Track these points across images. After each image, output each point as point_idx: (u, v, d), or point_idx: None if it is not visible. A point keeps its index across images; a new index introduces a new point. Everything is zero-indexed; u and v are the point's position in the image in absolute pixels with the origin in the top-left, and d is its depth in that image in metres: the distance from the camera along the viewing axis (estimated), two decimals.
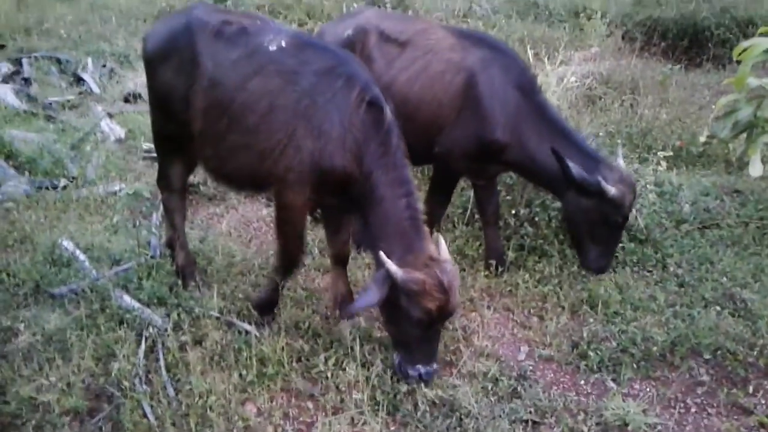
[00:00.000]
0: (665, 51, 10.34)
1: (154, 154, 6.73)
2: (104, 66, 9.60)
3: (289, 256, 4.00)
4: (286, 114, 3.66)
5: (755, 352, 3.99)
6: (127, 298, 4.20)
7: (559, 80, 8.18)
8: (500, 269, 4.84)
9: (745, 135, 5.25)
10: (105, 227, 5.29)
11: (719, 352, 4.02)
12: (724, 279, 4.78)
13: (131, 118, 7.76)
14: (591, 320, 4.37)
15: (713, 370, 3.94)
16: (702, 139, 6.76)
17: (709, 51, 10.39)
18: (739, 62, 4.99)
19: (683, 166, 6.85)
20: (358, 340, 3.84)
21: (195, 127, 3.99)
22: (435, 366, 3.70)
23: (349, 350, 3.81)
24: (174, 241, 4.57)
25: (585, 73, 8.69)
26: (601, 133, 7.02)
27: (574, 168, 4.28)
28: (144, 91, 8.25)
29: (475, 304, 4.54)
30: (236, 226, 5.48)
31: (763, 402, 3.69)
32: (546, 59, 8.29)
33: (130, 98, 8.69)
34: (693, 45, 10.93)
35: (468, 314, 4.44)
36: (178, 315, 4.06)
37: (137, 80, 9.06)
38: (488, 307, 4.50)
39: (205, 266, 4.72)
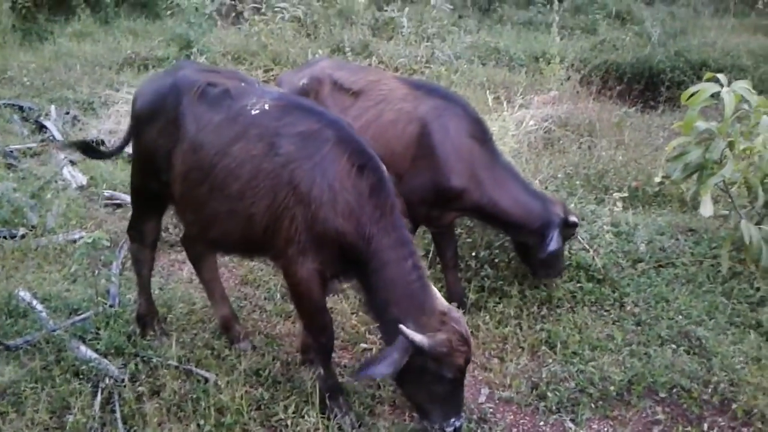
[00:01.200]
0: (621, 94, 10.63)
1: (116, 201, 6.76)
2: (67, 113, 9.55)
3: (320, 330, 3.81)
4: (271, 180, 3.58)
5: (710, 390, 4.06)
6: (83, 349, 4.15)
7: (519, 123, 8.39)
8: (461, 312, 4.87)
9: (696, 176, 5.43)
10: (63, 276, 5.23)
11: (675, 390, 4.10)
12: (680, 317, 4.88)
13: (93, 165, 7.71)
14: (550, 360, 4.42)
15: (669, 409, 4.00)
16: (657, 179, 6.96)
17: (664, 93, 10.71)
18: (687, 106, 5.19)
19: (639, 206, 7.00)
20: (317, 386, 3.83)
21: (175, 190, 3.94)
22: (463, 414, 3.66)
23: (309, 397, 3.80)
24: (140, 291, 4.51)
25: (544, 116, 8.91)
26: (559, 175, 7.22)
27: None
28: (107, 138, 8.26)
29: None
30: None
31: None
32: (506, 103, 8.51)
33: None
34: (648, 88, 11.32)
35: None
36: (136, 365, 4.03)
37: (101, 127, 9.02)
38: None
39: (165, 314, 4.68)
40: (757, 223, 5.39)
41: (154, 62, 11.64)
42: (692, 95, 5.15)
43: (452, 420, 3.56)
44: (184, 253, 5.72)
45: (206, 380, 3.96)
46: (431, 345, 3.35)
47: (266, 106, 3.76)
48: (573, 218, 4.89)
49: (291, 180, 3.55)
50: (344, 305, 4.90)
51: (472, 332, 4.64)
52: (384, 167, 3.70)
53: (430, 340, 3.35)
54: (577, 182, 7.13)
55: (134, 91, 4.34)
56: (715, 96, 5.13)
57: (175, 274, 5.41)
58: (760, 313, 4.92)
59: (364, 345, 4.54)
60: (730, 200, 5.62)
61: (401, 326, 3.35)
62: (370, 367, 3.38)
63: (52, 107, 9.54)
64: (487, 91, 9.30)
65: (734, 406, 3.94)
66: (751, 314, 4.91)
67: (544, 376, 4.23)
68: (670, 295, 5.18)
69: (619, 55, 12.03)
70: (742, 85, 5.14)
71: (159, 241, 4.64)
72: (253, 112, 3.75)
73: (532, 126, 8.35)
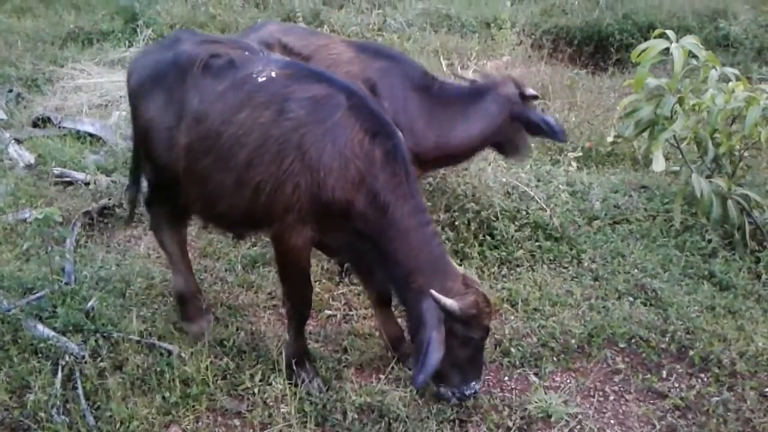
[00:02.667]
0: (572, 57, 10.74)
1: (66, 179, 6.57)
2: (10, 91, 9.23)
3: (301, 298, 3.75)
4: (279, 146, 3.42)
5: (667, 339, 4.19)
6: (40, 327, 4.05)
7: None
8: None
9: (647, 133, 5.53)
10: (16, 256, 5.09)
11: (633, 340, 4.21)
12: (635, 271, 5.00)
13: (41, 143, 7.47)
14: (512, 318, 4.49)
15: (628, 358, 4.11)
16: (609, 139, 7.07)
17: (613, 55, 10.84)
18: (638, 64, 5.26)
19: (593, 166, 7.13)
20: (283, 353, 3.82)
21: (178, 168, 3.75)
22: (482, 377, 3.69)
23: (275, 364, 3.79)
24: (174, 268, 4.32)
25: None
26: None
27: None
28: (53, 115, 8.01)
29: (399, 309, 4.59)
30: (155, 248, 5.31)
31: (676, 386, 3.88)
32: (459, 69, 8.50)
33: (39, 123, 8.38)
34: (598, 50, 11.38)
35: None
36: (96, 341, 3.95)
37: (46, 104, 8.75)
38: None
39: (124, 289, 4.59)
40: (707, 177, 5.53)
41: (98, 36, 11.32)
42: (642, 52, 5.22)
43: (473, 383, 3.59)
44: (140, 228, 5.67)
45: (169, 353, 3.91)
46: (462, 308, 3.35)
47: (273, 74, 3.60)
48: (530, 91, 5.06)
49: (300, 145, 3.40)
50: None
51: None
52: (399, 134, 3.60)
53: (460, 304, 3.35)
54: (532, 144, 7.19)
55: (128, 66, 4.20)
56: (665, 53, 5.24)
57: (132, 250, 5.31)
58: (712, 264, 5.06)
59: (328, 312, 4.54)
60: (680, 156, 5.74)
61: (433, 292, 3.32)
62: (423, 365, 3.30)
63: None
64: (441, 58, 9.28)
65: (691, 353, 4.07)
66: (703, 265, 5.05)
67: (506, 332, 4.29)
68: (626, 250, 5.29)
69: (569, 20, 12.07)
70: (691, 41, 5.23)
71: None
72: (260, 80, 3.59)
73: None
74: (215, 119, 3.57)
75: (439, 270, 3.48)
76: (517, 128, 5.05)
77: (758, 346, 4.06)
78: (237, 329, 4.25)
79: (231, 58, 3.71)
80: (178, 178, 3.81)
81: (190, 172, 3.72)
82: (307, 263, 3.69)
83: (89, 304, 4.26)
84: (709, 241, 5.34)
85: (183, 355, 3.86)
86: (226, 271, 4.98)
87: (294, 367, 3.79)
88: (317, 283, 4.79)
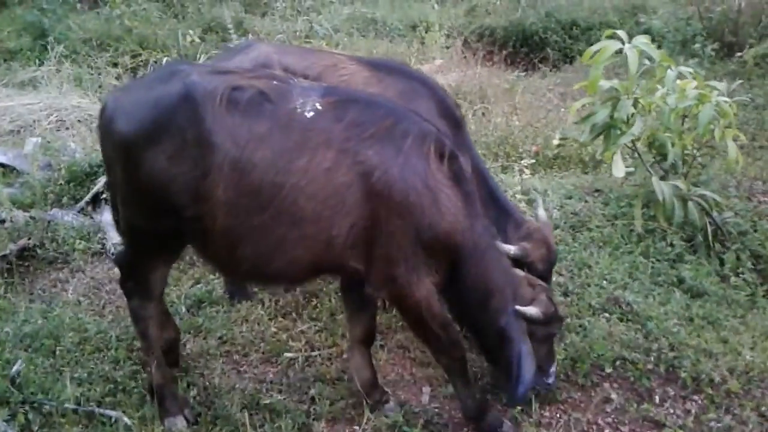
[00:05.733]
0: (505, 58, 10.65)
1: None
2: None
3: (455, 345, 3.44)
4: (353, 194, 3.08)
5: (652, 358, 3.96)
6: None
7: None
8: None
9: (602, 137, 5.34)
10: None
11: (618, 363, 3.96)
12: (605, 282, 4.78)
13: None
14: None
15: (617, 384, 3.87)
16: (555, 142, 6.91)
17: (542, 54, 10.80)
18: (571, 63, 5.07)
19: (541, 170, 6.93)
20: (246, 411, 3.40)
21: (211, 224, 3.15)
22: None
23: (237, 424, 3.37)
24: (149, 356, 3.60)
25: None
26: None
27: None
28: None
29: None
30: (85, 292, 4.80)
31: (672, 411, 3.66)
32: None
33: None
34: (529, 50, 11.35)
35: None
36: (25, 415, 3.42)
37: None
38: (381, 347, 4.21)
39: (53, 346, 4.04)
40: (662, 179, 5.40)
41: (5, 55, 10.48)
42: (594, 54, 5.03)
43: (551, 369, 3.62)
44: (66, 269, 5.11)
45: (114, 420, 3.43)
46: (544, 312, 3.40)
47: (318, 106, 3.16)
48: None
49: (379, 189, 3.08)
50: (260, 311, 4.45)
51: (402, 325, 4.39)
52: (454, 147, 3.39)
53: (540, 308, 3.40)
54: (479, 151, 6.96)
55: (105, 106, 3.32)
56: (617, 53, 5.06)
57: (58, 297, 4.74)
58: (680, 269, 4.92)
59: (288, 354, 4.12)
60: (636, 157, 5.60)
61: (517, 308, 3.33)
62: (520, 379, 3.25)
63: None
64: None
65: (682, 374, 3.85)
66: (672, 271, 4.90)
67: (485, 364, 3.98)
68: (591, 260, 5.08)
69: (493, 19, 12.04)
70: (643, 41, 5.07)
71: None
72: (308, 116, 3.14)
73: None
74: (266, 169, 3.07)
75: (509, 280, 3.46)
76: None
77: (746, 360, 3.90)
78: (188, 385, 3.79)
79: (260, 90, 3.17)
80: (204, 232, 3.22)
81: (235, 231, 3.16)
82: (440, 308, 3.40)
83: (14, 368, 3.72)
84: (672, 245, 5.20)
85: (129, 422, 3.39)
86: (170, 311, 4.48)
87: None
88: (271, 321, 4.38)
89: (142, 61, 10.40)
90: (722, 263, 5.07)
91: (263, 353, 4.12)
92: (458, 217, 3.24)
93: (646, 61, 5.20)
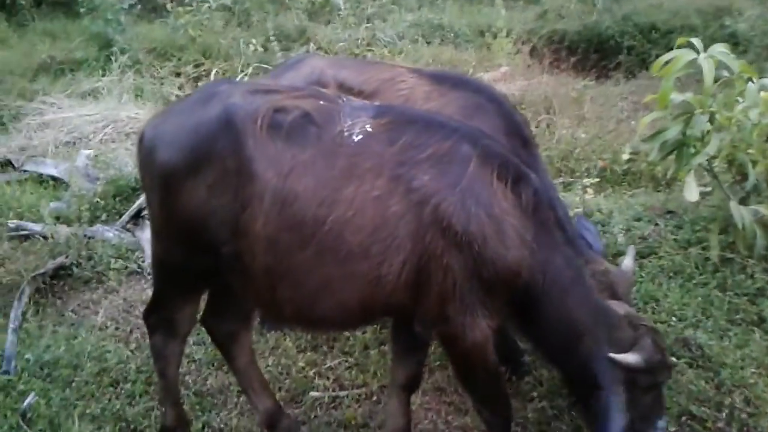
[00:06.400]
0: (575, 65, 10.07)
1: (23, 232, 5.86)
2: None
3: (503, 403, 3.16)
4: (407, 225, 2.77)
5: (724, 415, 3.46)
6: None
7: None
8: None
9: (674, 155, 4.82)
10: None
11: (684, 418, 3.47)
12: (674, 319, 4.28)
13: None
14: (534, 395, 3.76)
15: None
16: (625, 156, 6.36)
17: (617, 60, 10.17)
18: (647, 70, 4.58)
19: (609, 188, 6.40)
20: None
21: (251, 262, 2.88)
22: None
23: None
24: (165, 396, 3.41)
25: None
26: None
27: None
28: (15, 157, 7.33)
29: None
30: (115, 315, 4.64)
31: None
32: None
33: None
34: (601, 56, 10.75)
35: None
36: None
37: (10, 144, 8.06)
38: None
39: (71, 377, 3.86)
40: (742, 201, 4.84)
41: (72, 65, 10.63)
42: (665, 64, 4.53)
43: (659, 423, 3.06)
44: (100, 290, 4.96)
45: None
46: (647, 360, 2.90)
47: (368, 128, 2.87)
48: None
49: (436, 219, 2.76)
50: (288, 343, 4.16)
51: (440, 363, 4.02)
52: (528, 170, 3.03)
53: (641, 355, 2.90)
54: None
55: (143, 135, 3.08)
56: (690, 64, 4.54)
57: (86, 320, 4.58)
58: (760, 305, 4.34)
59: (314, 394, 3.81)
60: (713, 178, 5.04)
61: (611, 356, 2.86)
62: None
63: None
64: None
65: None
66: (751, 308, 4.33)
67: (529, 415, 3.56)
68: (659, 293, 4.56)
69: (566, 23, 11.44)
70: (720, 50, 4.53)
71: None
72: (356, 139, 2.84)
73: None
74: (309, 200, 2.78)
75: (602, 321, 2.97)
76: None
77: None
78: (203, 427, 3.53)
79: (305, 112, 2.89)
80: (243, 271, 2.95)
81: (275, 270, 2.88)
82: (495, 358, 3.03)
83: (26, 402, 3.54)
84: (753, 277, 4.62)
85: None
86: (194, 344, 4.24)
87: None
88: (300, 354, 4.08)
89: (204, 70, 10.40)
90: None
91: (287, 391, 3.84)
92: (526, 251, 2.86)
93: (725, 73, 4.66)
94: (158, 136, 3.01)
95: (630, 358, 2.87)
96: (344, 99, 3.07)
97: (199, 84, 9.73)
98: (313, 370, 3.97)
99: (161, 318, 3.28)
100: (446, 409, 3.74)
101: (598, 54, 10.77)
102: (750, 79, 4.55)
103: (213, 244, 2.90)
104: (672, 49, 4.56)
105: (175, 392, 3.42)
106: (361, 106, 3.02)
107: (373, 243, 2.76)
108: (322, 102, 2.95)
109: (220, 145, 2.83)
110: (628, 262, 3.59)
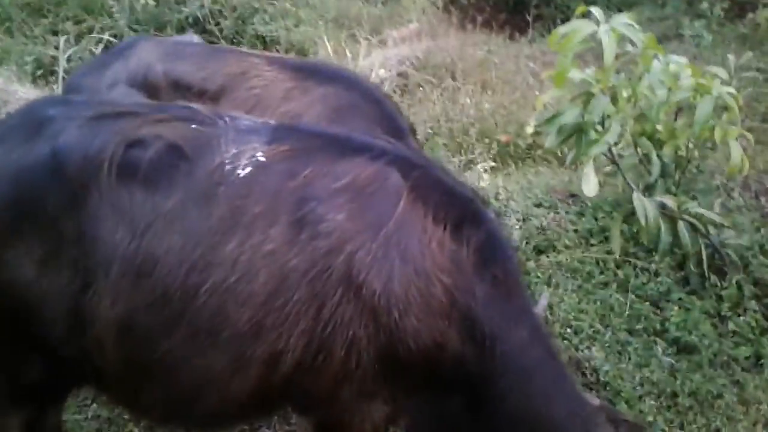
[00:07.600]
0: (487, 22, 9.44)
1: None
2: None
3: None
4: (311, 285, 2.05)
5: None
6: None
7: (377, 66, 7.07)
8: None
9: (573, 139, 4.30)
10: None
11: None
12: (569, 331, 3.82)
13: None
14: None
15: None
16: (529, 129, 5.79)
17: (532, 15, 9.63)
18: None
19: (511, 165, 5.89)
20: None
21: (102, 358, 2.11)
22: None
23: None
24: None
25: (400, 59, 7.59)
26: (418, 134, 5.95)
27: None
28: None
29: None
30: None
31: None
32: (362, 41, 7.20)
33: None
34: (517, 10, 10.16)
35: None
36: None
37: None
38: None
39: None
40: (648, 189, 4.40)
41: None
42: (563, 38, 3.97)
43: None
44: None
45: None
46: None
47: (260, 157, 2.11)
48: None
49: (349, 274, 2.05)
50: None
51: None
52: (487, 210, 2.33)
53: None
54: (440, 141, 5.94)
55: None
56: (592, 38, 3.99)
57: None
58: (665, 310, 3.94)
59: None
60: (614, 165, 4.56)
61: None
62: None
63: None
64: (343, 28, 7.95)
65: None
66: (654, 316, 3.91)
67: None
68: (554, 297, 4.08)
69: None
70: (624, 21, 3.98)
71: None
72: (243, 174, 2.08)
73: (384, 74, 7.02)
74: (173, 266, 2.02)
75: (578, 416, 2.30)
76: None
77: None
78: None
79: (169, 143, 2.11)
80: (92, 372, 2.19)
81: (133, 366, 2.13)
82: None
83: None
84: (657, 274, 4.20)
85: None
86: None
87: None
88: None
89: (86, 27, 9.32)
90: (720, 299, 4.08)
91: None
92: (461, 318, 2.17)
93: (629, 47, 4.12)
94: None
95: None
96: (227, 119, 2.25)
97: (81, 44, 8.64)
98: None
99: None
100: None
101: (513, 8, 10.23)
102: (656, 56, 4.03)
103: (46, 343, 2.11)
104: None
105: None
106: (250, 127, 2.24)
107: (267, 315, 2.05)
108: (194, 126, 2.18)
109: (50, 202, 2.03)
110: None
